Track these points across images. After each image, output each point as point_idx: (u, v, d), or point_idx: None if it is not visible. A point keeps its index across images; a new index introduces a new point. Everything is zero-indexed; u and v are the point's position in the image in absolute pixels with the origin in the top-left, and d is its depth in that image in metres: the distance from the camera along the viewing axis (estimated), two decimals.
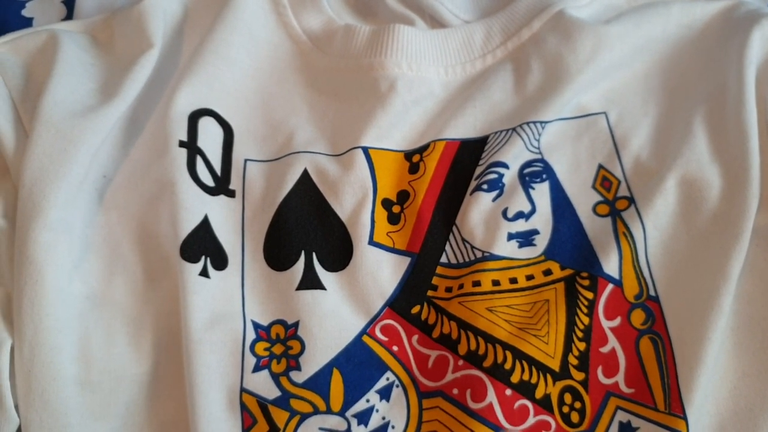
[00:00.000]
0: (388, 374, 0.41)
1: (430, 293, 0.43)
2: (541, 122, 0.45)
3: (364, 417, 0.40)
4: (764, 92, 0.44)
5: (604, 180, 0.45)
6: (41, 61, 0.46)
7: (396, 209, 0.45)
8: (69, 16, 0.54)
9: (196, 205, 0.43)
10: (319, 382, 0.40)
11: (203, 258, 0.42)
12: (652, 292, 0.41)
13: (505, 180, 0.44)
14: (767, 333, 0.40)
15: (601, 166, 0.45)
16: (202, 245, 0.42)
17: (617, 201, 0.44)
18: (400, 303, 0.43)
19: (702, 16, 0.49)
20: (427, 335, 0.42)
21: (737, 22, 0.48)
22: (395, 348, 0.42)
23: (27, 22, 0.54)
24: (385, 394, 0.41)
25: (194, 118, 0.46)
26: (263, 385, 0.40)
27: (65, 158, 0.42)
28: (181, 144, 0.44)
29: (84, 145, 0.42)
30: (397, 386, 0.41)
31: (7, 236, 0.42)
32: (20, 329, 0.39)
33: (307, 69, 0.50)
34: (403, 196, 0.45)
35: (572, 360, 0.40)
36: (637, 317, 0.41)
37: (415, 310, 0.43)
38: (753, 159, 0.42)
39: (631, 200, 0.44)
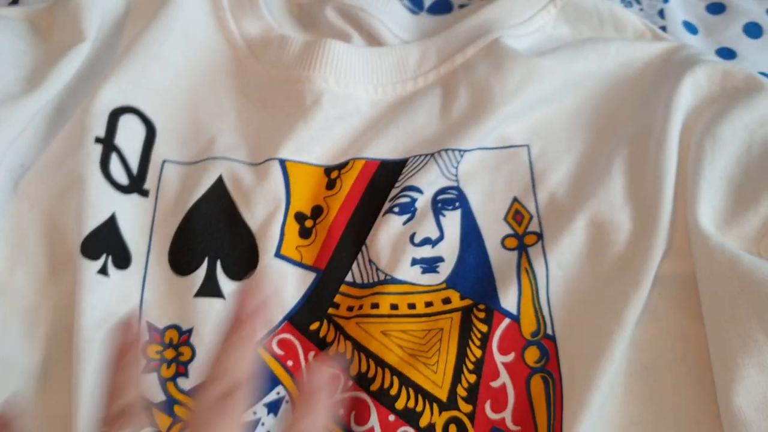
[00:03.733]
0: (279, 388, 0.41)
1: (331, 311, 0.43)
2: (460, 150, 0.45)
3: (249, 430, 0.40)
4: (689, 140, 0.44)
5: (516, 213, 0.45)
6: None
7: (308, 224, 0.45)
8: (15, 0, 0.54)
9: (103, 203, 0.43)
10: None
11: (104, 256, 0.42)
12: (549, 331, 0.41)
13: (417, 204, 0.44)
14: (658, 382, 0.40)
15: (515, 199, 0.45)
16: (105, 243, 0.42)
17: (526, 236, 0.44)
18: (300, 318, 0.43)
19: (642, 56, 0.49)
20: (323, 353, 0.42)
21: (674, 65, 0.47)
22: (290, 363, 0.42)
23: None
24: (273, 407, 0.41)
25: (115, 115, 0.46)
26: (150, 387, 0.40)
27: None
28: (97, 140, 0.44)
29: (0, 134, 0.42)
30: (287, 401, 0.41)
31: None
32: None
33: (240, 74, 0.50)
34: (316, 211, 0.45)
35: (461, 391, 0.40)
36: (531, 355, 0.41)
37: (314, 326, 0.43)
38: (664, 206, 0.42)
39: (539, 236, 0.43)
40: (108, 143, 0.45)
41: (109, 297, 0.42)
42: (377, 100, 0.49)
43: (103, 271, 0.42)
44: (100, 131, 0.45)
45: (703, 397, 0.38)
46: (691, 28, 0.54)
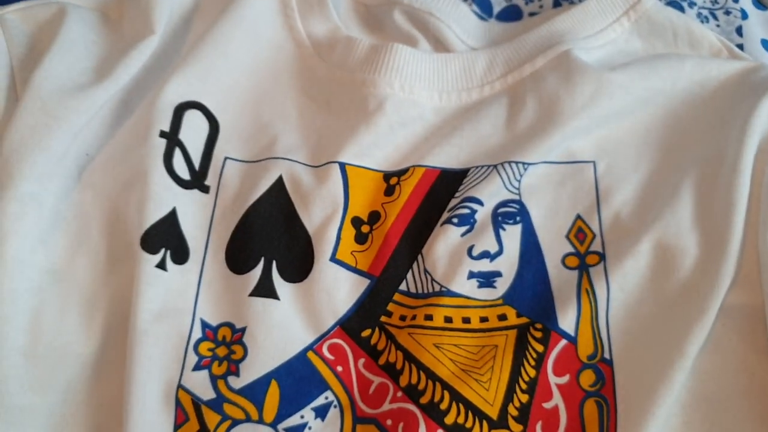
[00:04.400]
0: (328, 393, 0.41)
1: (383, 319, 0.43)
2: (524, 163, 0.44)
3: None
4: (764, 166, 0.42)
5: (579, 231, 0.44)
6: (47, 33, 0.47)
7: (365, 229, 0.45)
8: None
9: (164, 197, 0.43)
10: (254, 391, 0.40)
11: (163, 250, 0.42)
12: (606, 355, 0.40)
13: (477, 216, 0.44)
14: (719, 415, 0.38)
15: (579, 217, 0.44)
16: (164, 237, 0.43)
17: (588, 255, 0.43)
18: (352, 324, 0.43)
19: (717, 75, 0.47)
20: (374, 360, 0.42)
21: (751, 86, 0.46)
22: (340, 368, 0.42)
23: None
24: (321, 412, 0.41)
25: (180, 109, 0.46)
26: (200, 384, 0.41)
27: (46, 133, 0.42)
28: (162, 134, 0.45)
29: (67, 123, 0.43)
30: (335, 407, 0.41)
31: None
32: None
33: (304, 74, 0.50)
34: (374, 217, 0.45)
35: (512, 411, 0.39)
36: (587, 378, 0.40)
37: (366, 333, 0.42)
38: (735, 233, 0.40)
39: (602, 257, 0.42)
40: (172, 138, 0.45)
41: (165, 291, 0.42)
42: (441, 107, 0.48)
43: (161, 265, 0.42)
44: (165, 125, 0.45)
45: None
46: None
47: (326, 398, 0.41)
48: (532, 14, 0.54)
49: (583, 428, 0.39)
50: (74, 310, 0.42)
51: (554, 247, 0.43)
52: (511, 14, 0.54)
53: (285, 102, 0.49)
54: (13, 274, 0.40)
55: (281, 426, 0.40)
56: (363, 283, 0.43)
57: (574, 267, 0.42)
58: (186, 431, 0.40)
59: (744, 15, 0.54)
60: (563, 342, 0.40)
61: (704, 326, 0.39)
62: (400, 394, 0.40)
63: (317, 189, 0.44)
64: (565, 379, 0.40)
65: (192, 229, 0.44)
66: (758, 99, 0.44)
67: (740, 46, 0.52)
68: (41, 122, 0.42)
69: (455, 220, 0.43)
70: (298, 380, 0.41)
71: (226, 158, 0.47)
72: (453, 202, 0.44)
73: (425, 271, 0.43)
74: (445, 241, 0.43)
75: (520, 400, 0.40)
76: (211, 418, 0.40)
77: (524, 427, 0.39)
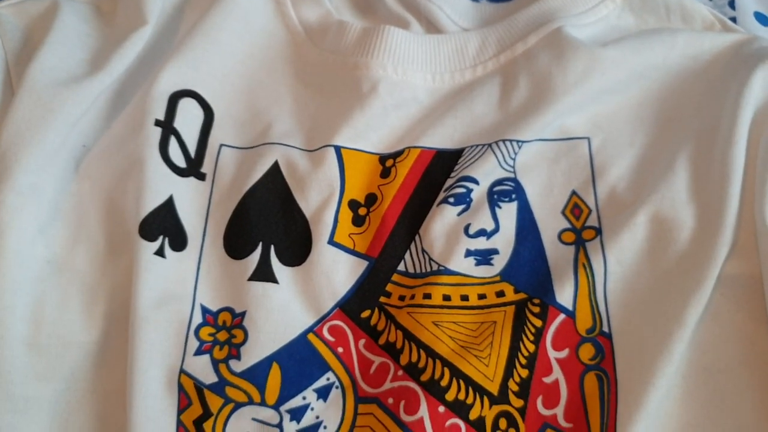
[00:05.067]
0: (329, 375, 0.41)
1: (382, 299, 0.43)
2: (518, 141, 0.44)
3: (297, 414, 0.40)
4: (758, 136, 0.42)
5: (575, 207, 0.44)
6: (40, 26, 0.47)
7: (362, 211, 0.45)
8: None
9: (161, 185, 0.44)
10: (256, 374, 0.41)
11: (161, 237, 0.43)
12: (605, 328, 0.40)
13: (473, 195, 0.44)
14: (718, 385, 0.39)
15: (574, 193, 0.44)
16: (162, 225, 0.43)
17: (584, 230, 0.43)
18: (351, 306, 0.43)
19: (710, 48, 0.47)
20: (374, 341, 0.42)
21: (744, 58, 0.45)
22: (340, 350, 0.42)
23: None
24: (323, 393, 0.41)
25: (175, 98, 0.46)
26: (202, 369, 0.41)
27: (43, 125, 0.43)
28: (157, 123, 0.45)
29: (62, 115, 0.43)
30: (337, 387, 0.41)
31: None
32: None
33: (297, 60, 0.50)
34: (371, 199, 0.45)
35: (512, 386, 0.40)
36: (586, 351, 0.40)
37: (366, 314, 0.43)
38: (730, 204, 0.40)
39: (598, 231, 0.42)
40: (167, 126, 0.45)
41: (165, 278, 0.42)
42: (435, 88, 0.48)
43: (160, 252, 0.42)
44: (160, 114, 0.45)
45: (765, 401, 0.37)
46: (763, 19, 0.52)
47: (328, 379, 0.41)
48: None
49: (584, 401, 0.39)
50: (75, 299, 0.42)
51: (550, 224, 0.43)
52: None
53: (279, 88, 0.49)
54: (13, 266, 0.41)
55: (283, 408, 0.40)
56: (361, 265, 0.44)
57: (570, 242, 0.43)
58: (189, 415, 0.40)
59: None
60: (561, 316, 0.41)
61: (702, 297, 0.39)
62: (400, 372, 0.40)
63: (313, 173, 0.45)
64: (564, 354, 0.40)
65: (189, 216, 0.45)
66: (751, 71, 0.44)
67: (733, 19, 0.52)
68: (37, 114, 0.43)
69: (451, 200, 0.44)
70: (299, 362, 0.41)
71: (221, 145, 0.47)
72: (449, 182, 0.44)
73: (423, 250, 0.43)
74: (442, 220, 0.43)
75: (520, 375, 0.40)
76: (214, 401, 0.40)
77: (525, 402, 0.39)
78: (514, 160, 0.45)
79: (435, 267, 0.43)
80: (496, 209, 0.44)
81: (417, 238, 0.44)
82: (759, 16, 0.52)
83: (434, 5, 0.50)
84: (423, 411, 0.39)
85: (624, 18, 0.50)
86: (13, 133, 0.42)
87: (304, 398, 0.41)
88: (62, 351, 0.41)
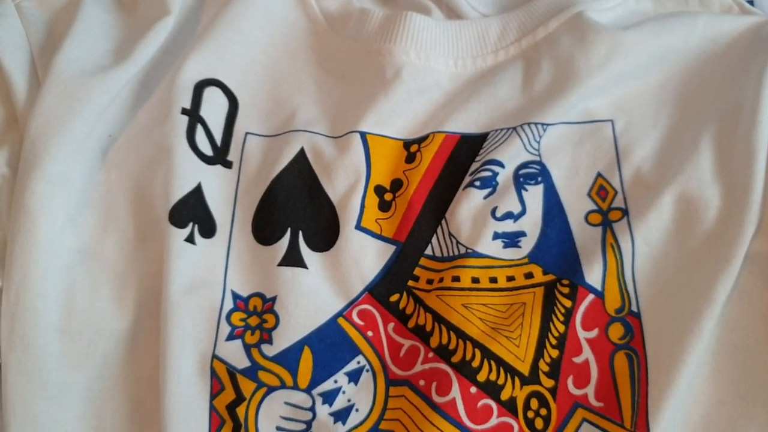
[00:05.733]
0: (360, 358, 0.42)
1: (410, 283, 0.43)
2: (543, 124, 0.45)
3: (329, 397, 0.41)
4: None
5: (600, 189, 0.44)
6: (63, 18, 0.47)
7: (388, 197, 0.45)
8: None
9: (189, 172, 0.44)
10: (288, 358, 0.41)
11: (191, 224, 0.43)
12: (633, 308, 0.41)
13: (498, 179, 0.44)
14: (748, 362, 0.39)
15: (599, 175, 0.44)
16: (192, 212, 0.43)
17: (611, 212, 0.43)
18: (380, 290, 0.43)
19: (729, 30, 0.48)
20: (403, 324, 0.42)
21: (764, 40, 0.46)
22: (370, 333, 0.42)
23: None
24: (354, 377, 0.41)
25: (200, 87, 0.46)
26: (234, 354, 0.41)
27: (70, 115, 0.43)
28: (183, 111, 0.45)
29: (90, 104, 0.43)
30: (367, 371, 0.41)
31: (9, 184, 0.43)
32: (9, 274, 0.40)
33: (319, 48, 0.50)
34: (396, 185, 0.45)
35: (543, 366, 0.40)
36: (616, 331, 0.40)
37: (394, 298, 0.43)
38: (756, 182, 0.40)
39: (624, 212, 0.43)
40: (194, 114, 0.45)
41: (195, 264, 0.42)
42: (457, 73, 0.48)
43: (190, 239, 0.43)
44: (186, 103, 0.45)
45: None
46: None
47: (358, 363, 0.42)
48: None
49: (614, 381, 0.39)
50: (106, 286, 0.43)
51: (576, 205, 0.44)
52: None
53: (302, 76, 0.49)
54: (44, 254, 0.41)
55: (315, 391, 0.41)
56: (389, 250, 0.44)
57: (597, 224, 0.43)
58: (222, 400, 0.40)
59: None
60: (590, 297, 0.41)
61: (730, 274, 0.39)
62: (431, 354, 0.41)
63: (339, 159, 0.45)
64: (594, 333, 0.40)
65: (217, 203, 0.45)
66: None
67: (750, 2, 0.52)
68: (64, 104, 0.43)
69: (477, 183, 0.44)
70: (330, 346, 0.42)
71: (246, 133, 0.47)
72: (474, 166, 0.45)
73: (450, 234, 0.44)
74: (468, 204, 0.43)
75: (550, 356, 0.40)
76: (247, 386, 0.40)
77: (555, 382, 0.40)
78: (538, 143, 0.45)
79: (463, 250, 0.43)
80: (523, 192, 0.44)
81: (443, 222, 0.44)
82: None
83: None
84: (455, 392, 0.39)
85: (643, 2, 0.50)
86: (41, 123, 0.42)
87: (335, 381, 0.41)
88: (94, 338, 0.42)
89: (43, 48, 0.46)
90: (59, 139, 0.42)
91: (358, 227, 0.44)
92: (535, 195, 0.44)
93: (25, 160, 0.42)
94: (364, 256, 0.43)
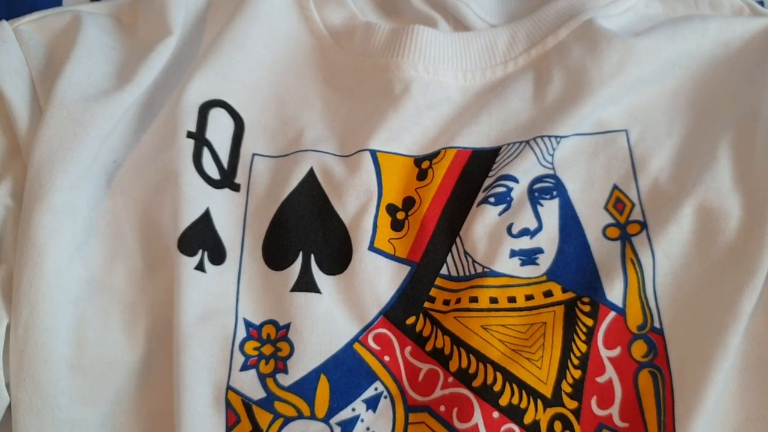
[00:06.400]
0: (377, 384, 0.41)
1: (427, 305, 0.42)
2: (556, 136, 0.44)
3: (348, 426, 0.40)
4: None
5: (617, 201, 0.43)
6: (63, 42, 0.46)
7: (400, 215, 0.44)
8: None
9: (197, 198, 0.43)
10: (305, 387, 0.40)
11: (200, 252, 0.42)
12: (656, 324, 0.40)
13: (513, 194, 0.43)
14: None
15: (615, 187, 0.43)
16: (201, 238, 0.42)
17: (629, 225, 0.42)
18: (396, 312, 0.42)
19: (742, 33, 0.47)
20: (420, 348, 0.41)
21: None
22: (387, 358, 0.41)
23: (57, 1, 0.54)
24: (372, 404, 0.40)
25: (205, 109, 0.45)
26: (249, 384, 0.40)
27: (74, 142, 0.42)
28: (189, 135, 0.44)
29: (94, 130, 0.43)
30: (385, 397, 0.40)
31: (14, 215, 0.42)
32: (17, 309, 0.39)
33: (324, 64, 0.49)
34: (408, 203, 0.44)
35: (566, 387, 0.39)
36: (639, 349, 0.39)
37: (411, 320, 0.42)
38: None
39: (643, 225, 0.42)
40: (199, 138, 0.44)
41: (207, 292, 0.41)
42: (466, 86, 0.47)
43: (200, 266, 0.42)
44: (192, 126, 0.44)
45: None
46: None
47: (376, 389, 0.41)
48: None
49: (639, 400, 0.38)
50: (116, 318, 0.42)
51: (593, 219, 0.43)
52: None
53: (308, 94, 0.48)
54: (53, 287, 0.40)
55: (333, 420, 0.40)
56: (403, 270, 0.43)
57: (615, 238, 0.42)
58: None
59: None
60: (612, 314, 0.40)
61: (755, 287, 0.38)
62: (451, 379, 0.40)
63: (350, 178, 0.44)
64: (616, 352, 0.39)
65: (226, 228, 0.44)
66: None
67: (761, 3, 0.51)
68: (68, 131, 0.42)
69: (492, 199, 0.43)
70: (346, 373, 0.41)
71: (254, 155, 0.46)
72: (488, 182, 0.44)
73: (465, 253, 0.43)
74: (483, 221, 0.43)
75: (573, 376, 0.39)
76: (263, 417, 0.39)
77: (579, 403, 0.39)
78: (552, 156, 0.44)
79: (479, 269, 0.42)
80: (538, 207, 0.43)
81: (458, 240, 0.43)
82: None
83: (460, 2, 0.49)
84: (477, 417, 0.38)
85: (652, 6, 0.49)
86: (45, 151, 0.42)
87: (353, 410, 0.40)
88: (106, 372, 0.41)
89: (44, 73, 0.45)
90: (64, 168, 0.41)
91: (372, 248, 0.43)
92: (550, 210, 0.43)
93: (30, 191, 0.41)
94: (378, 278, 0.42)
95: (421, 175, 0.45)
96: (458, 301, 0.41)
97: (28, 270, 0.40)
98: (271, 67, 0.49)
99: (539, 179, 0.44)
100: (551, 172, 0.44)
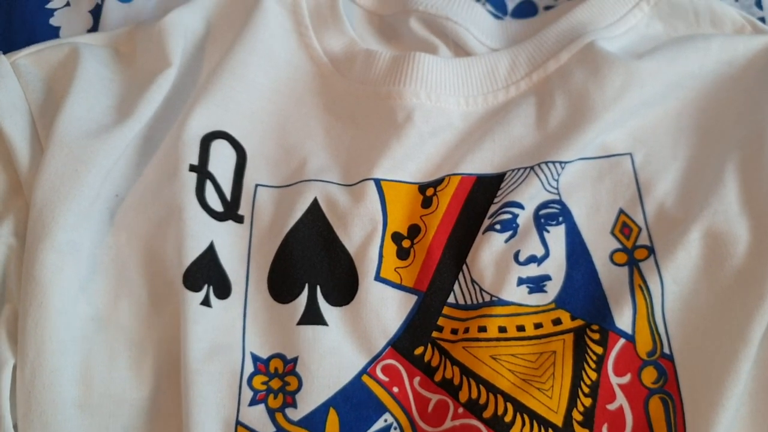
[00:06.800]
0: (387, 416, 0.40)
1: (435, 334, 0.42)
2: (561, 162, 0.44)
3: None
4: None
5: (624, 226, 0.43)
6: (62, 75, 0.46)
7: (406, 244, 0.44)
8: (95, 25, 0.54)
9: (201, 232, 0.43)
10: (314, 421, 0.40)
11: (206, 287, 0.42)
12: (666, 350, 0.39)
13: (519, 221, 0.43)
14: None
15: (621, 211, 0.43)
16: (206, 273, 0.42)
17: (636, 250, 0.42)
18: (404, 343, 0.42)
19: (745, 52, 0.47)
20: (429, 378, 0.41)
21: None
22: (395, 389, 0.41)
23: (54, 31, 0.54)
24: None
25: (207, 141, 0.45)
26: (258, 419, 0.40)
27: (76, 179, 0.42)
28: (192, 168, 0.44)
29: (95, 167, 0.42)
30: (395, 429, 0.40)
31: (17, 254, 0.42)
32: (23, 350, 0.39)
33: (325, 92, 0.49)
34: (414, 231, 0.44)
35: (576, 416, 0.39)
36: (649, 375, 0.39)
37: (419, 351, 0.42)
38: None
39: (651, 250, 0.41)
40: (202, 171, 0.44)
41: (213, 328, 0.41)
42: (468, 112, 0.47)
43: (206, 302, 0.41)
44: (194, 159, 0.44)
45: None
46: None
47: (385, 421, 0.40)
48: (547, 8, 0.53)
49: (650, 427, 0.38)
50: (123, 355, 0.41)
51: (600, 245, 0.42)
52: (526, 10, 0.53)
53: (310, 122, 0.48)
54: (59, 326, 0.40)
55: None
56: (410, 300, 0.43)
57: (623, 263, 0.42)
58: None
59: None
60: (621, 341, 0.40)
61: (765, 311, 0.38)
62: (461, 410, 0.40)
63: (355, 208, 0.44)
64: (626, 379, 0.39)
65: (230, 261, 0.43)
66: None
67: (762, 20, 0.51)
68: (70, 169, 0.42)
69: (497, 227, 0.43)
70: (355, 406, 0.40)
71: (257, 185, 0.46)
72: (493, 208, 0.43)
73: (472, 281, 0.42)
74: (490, 248, 0.42)
75: (583, 405, 0.39)
76: None
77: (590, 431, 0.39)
78: (557, 181, 0.44)
79: (487, 298, 0.42)
80: (545, 233, 0.43)
81: (465, 268, 0.43)
82: None
83: (460, 27, 0.49)
84: None
85: (653, 26, 0.49)
86: (47, 189, 0.41)
87: None
88: (114, 410, 0.40)
89: (43, 108, 0.45)
90: (67, 206, 0.41)
91: (378, 278, 0.43)
92: (557, 236, 0.43)
93: (33, 230, 0.41)
94: (385, 308, 0.42)
95: (426, 203, 0.45)
96: (467, 330, 0.41)
97: (34, 310, 0.39)
98: (271, 96, 0.48)
99: (545, 205, 0.43)
100: (557, 197, 0.44)
